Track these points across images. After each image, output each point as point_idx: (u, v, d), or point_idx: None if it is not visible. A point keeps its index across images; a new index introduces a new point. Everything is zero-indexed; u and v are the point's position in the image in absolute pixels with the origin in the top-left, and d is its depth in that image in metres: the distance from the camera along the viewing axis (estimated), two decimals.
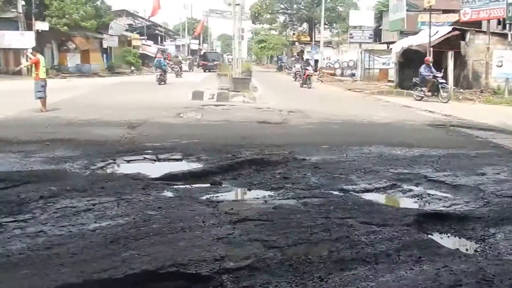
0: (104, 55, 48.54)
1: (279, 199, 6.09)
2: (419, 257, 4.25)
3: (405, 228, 4.99)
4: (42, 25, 35.98)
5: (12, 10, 35.93)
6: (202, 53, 68.54)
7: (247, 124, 13.59)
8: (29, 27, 35.58)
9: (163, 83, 29.68)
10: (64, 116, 14.18)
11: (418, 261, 4.18)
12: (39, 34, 35.75)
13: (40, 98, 15.28)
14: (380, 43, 48.09)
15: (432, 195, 6.56)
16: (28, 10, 36.06)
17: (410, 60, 28.09)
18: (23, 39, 33.24)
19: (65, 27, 37.13)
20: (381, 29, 50.61)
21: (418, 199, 6.42)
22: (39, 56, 15.83)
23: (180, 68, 41.71)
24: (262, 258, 4.14)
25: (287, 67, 60.02)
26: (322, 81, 39.00)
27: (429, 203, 6.24)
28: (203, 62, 56.58)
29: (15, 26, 35.09)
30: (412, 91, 23.92)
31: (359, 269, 4.00)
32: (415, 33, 30.62)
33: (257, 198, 6.19)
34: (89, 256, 4.10)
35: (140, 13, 69.15)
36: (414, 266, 4.09)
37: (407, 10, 34.81)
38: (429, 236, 4.95)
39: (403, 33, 34.27)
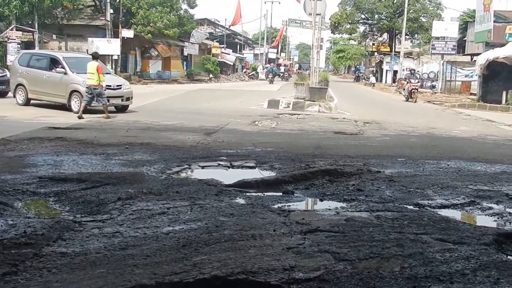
0: (184, 63, 49.77)
1: (351, 211, 6.00)
2: (497, 279, 4.05)
3: (483, 247, 4.78)
4: (128, 33, 37.38)
5: (101, 18, 37.61)
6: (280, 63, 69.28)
7: (322, 134, 13.51)
8: (115, 35, 37.07)
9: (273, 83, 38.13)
10: (143, 120, 14.66)
11: (496, 283, 3.98)
12: (124, 41, 37.18)
13: (103, 104, 15.15)
14: (463, 55, 46.62)
15: None
16: (116, 18, 37.60)
17: (495, 73, 27.01)
18: (110, 46, 34.67)
19: (149, 35, 38.39)
20: (465, 40, 49.01)
21: (498, 218, 6.14)
22: (93, 62, 15.30)
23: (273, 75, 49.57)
24: (332, 270, 4.08)
25: (365, 77, 59.35)
26: (400, 93, 38.17)
27: (510, 222, 5.95)
28: (298, 70, 61.79)
29: (103, 33, 36.67)
30: None
31: (432, 287, 3.87)
32: (502, 45, 29.40)
33: (329, 209, 6.12)
34: (162, 258, 4.19)
35: (221, 22, 70.48)
36: (492, 287, 3.91)
37: (495, 21, 33.48)
38: (509, 257, 4.71)
39: (488, 45, 32.94)
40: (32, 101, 17.77)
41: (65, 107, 16.48)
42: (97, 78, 14.87)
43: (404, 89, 31.24)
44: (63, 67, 16.51)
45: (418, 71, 47.24)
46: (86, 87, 15.08)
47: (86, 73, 15.18)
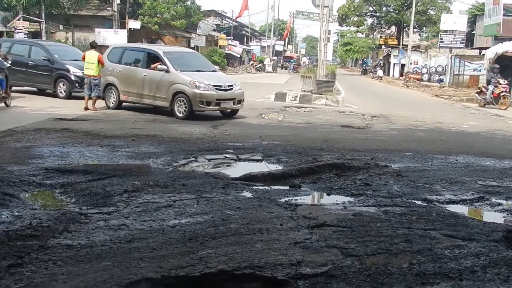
0: None
1: (359, 206, 5.96)
2: (508, 276, 4.01)
3: (493, 244, 4.73)
4: (134, 24, 37.33)
5: (108, 9, 37.58)
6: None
7: (329, 127, 13.45)
8: (122, 25, 37.03)
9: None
10: (148, 112, 14.60)
11: (506, 280, 3.94)
12: (131, 32, 37.12)
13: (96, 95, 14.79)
14: (472, 49, 46.31)
15: None
16: (123, 9, 37.55)
17: (504, 67, 26.79)
18: (117, 37, 34.60)
19: (156, 26, 38.34)
20: (473, 33, 48.67)
21: (507, 214, 6.08)
22: (92, 52, 14.87)
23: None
24: (340, 266, 4.04)
25: (372, 70, 59.14)
26: (407, 86, 38.03)
27: None
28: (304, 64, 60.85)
29: (110, 24, 36.63)
30: None
31: (441, 284, 3.82)
32: (511, 39, 29.16)
33: (337, 204, 6.08)
34: (168, 252, 4.17)
35: (228, 13, 70.25)
36: (502, 285, 3.86)
37: (504, 15, 33.22)
38: None
39: (498, 39, 32.70)
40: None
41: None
42: (96, 68, 14.54)
43: (485, 92, 23.09)
44: (164, 64, 13.98)
45: (426, 65, 47.05)
46: (85, 78, 14.79)
47: (191, 71, 13.98)
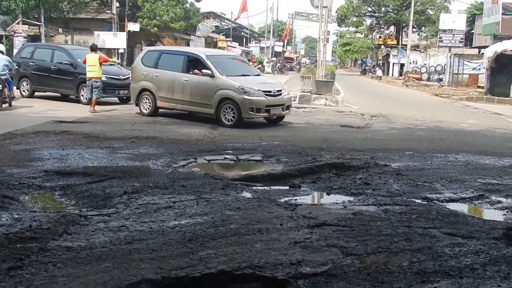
0: None
1: (359, 205, 5.96)
2: (508, 273, 4.00)
3: (493, 241, 4.73)
4: (133, 26, 37.31)
5: (107, 11, 37.60)
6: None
7: (329, 127, 13.44)
8: (121, 28, 37.04)
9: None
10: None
11: (506, 278, 3.93)
12: (130, 35, 37.13)
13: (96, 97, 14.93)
14: (471, 48, 46.33)
15: None
16: (122, 11, 37.57)
17: (503, 66, 26.84)
18: (116, 40, 34.60)
19: (155, 28, 38.35)
20: (472, 33, 48.69)
21: (507, 212, 6.08)
22: (93, 54, 15.02)
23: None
24: (340, 265, 4.04)
25: (371, 70, 59.16)
26: (407, 86, 38.03)
27: None
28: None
29: (109, 27, 36.64)
30: None
31: (441, 282, 3.81)
32: (510, 37, 29.18)
33: (336, 203, 6.08)
34: (168, 253, 4.16)
35: (227, 15, 70.30)
36: (502, 282, 3.85)
37: (503, 14, 33.25)
38: None
39: (497, 38, 32.73)
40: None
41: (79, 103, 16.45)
42: (98, 70, 14.75)
43: None
44: (208, 68, 13.05)
45: (425, 64, 47.05)
46: (87, 80, 14.92)
47: (236, 75, 13.21)
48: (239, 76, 13.24)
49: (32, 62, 17.74)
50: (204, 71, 13.05)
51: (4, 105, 14.59)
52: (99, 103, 15.47)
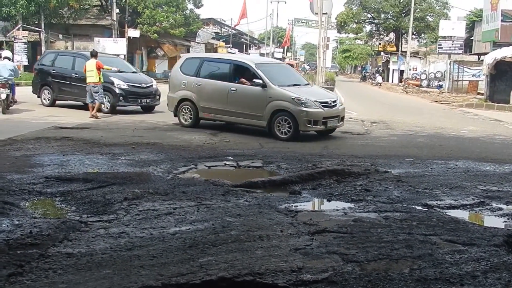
0: None
1: (359, 212, 5.95)
2: (509, 281, 4.00)
3: (494, 249, 4.72)
4: (134, 33, 37.46)
5: (107, 18, 37.71)
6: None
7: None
8: (121, 34, 37.15)
9: None
10: (150, 120, 14.64)
11: (507, 285, 3.93)
12: (130, 41, 37.24)
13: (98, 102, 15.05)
14: (470, 54, 46.43)
15: None
16: (122, 18, 37.69)
17: (502, 73, 26.87)
18: (116, 46, 34.71)
19: (155, 35, 38.46)
20: (472, 39, 48.80)
21: (508, 219, 6.07)
22: (92, 61, 15.10)
23: None
24: (340, 272, 4.04)
25: (371, 77, 59.24)
26: (407, 92, 38.08)
27: None
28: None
29: (109, 33, 36.76)
30: None
31: None
32: (510, 44, 29.24)
33: (337, 210, 6.08)
34: (168, 259, 4.16)
35: (227, 21, 70.47)
36: None
37: (502, 21, 33.31)
38: None
39: (496, 44, 32.79)
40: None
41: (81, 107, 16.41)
42: (96, 75, 14.79)
43: None
44: (259, 78, 12.22)
45: (425, 71, 47.12)
46: (86, 85, 14.95)
47: (288, 85, 12.50)
48: (291, 86, 12.53)
49: (53, 70, 17.38)
50: (255, 80, 12.24)
51: (9, 109, 15.17)
52: (122, 112, 15.49)
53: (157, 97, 17.42)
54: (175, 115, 13.72)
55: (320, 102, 12.03)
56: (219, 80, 12.97)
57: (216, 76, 13.18)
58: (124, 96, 16.28)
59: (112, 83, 16.21)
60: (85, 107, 15.86)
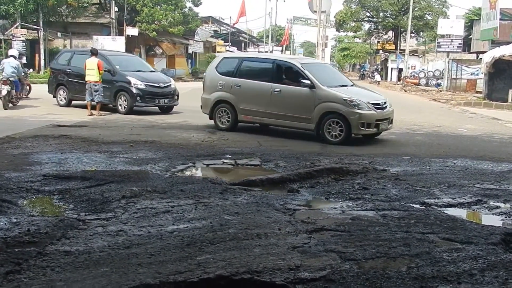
0: (189, 60, 49.75)
1: (357, 210, 5.96)
2: (506, 279, 4.01)
3: (491, 247, 4.73)
4: (132, 31, 37.41)
5: (105, 16, 37.67)
6: None
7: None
8: (120, 33, 37.11)
9: None
10: (148, 118, 14.63)
11: (504, 283, 3.94)
12: (129, 39, 37.19)
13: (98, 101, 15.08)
14: (469, 53, 46.43)
15: None
16: (120, 16, 37.65)
17: (501, 71, 26.90)
18: (115, 44, 34.65)
19: (154, 33, 38.41)
20: (470, 38, 48.81)
21: (505, 217, 6.08)
22: (93, 59, 15.10)
23: None
24: (338, 270, 4.04)
25: (370, 75, 59.25)
26: (405, 91, 38.09)
27: None
28: None
29: (108, 31, 36.72)
30: None
31: (440, 287, 3.82)
32: (508, 43, 29.25)
33: (335, 208, 6.09)
34: (166, 257, 4.16)
35: (225, 20, 70.45)
36: None
37: (501, 19, 33.30)
38: None
39: (494, 43, 32.78)
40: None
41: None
42: (97, 74, 14.77)
43: None
44: (307, 78, 11.58)
45: (423, 69, 47.15)
46: (86, 83, 14.88)
47: (336, 86, 11.93)
48: (339, 87, 11.98)
49: (69, 69, 16.88)
50: (303, 81, 11.57)
51: (10, 105, 15.72)
52: (142, 113, 15.44)
53: (176, 97, 16.87)
54: (211, 118, 13.03)
55: (373, 104, 11.49)
56: (261, 81, 12.27)
57: (257, 76, 12.49)
58: (141, 96, 15.70)
59: (129, 83, 15.72)
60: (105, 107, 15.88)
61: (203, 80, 13.80)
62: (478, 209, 6.43)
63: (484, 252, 4.57)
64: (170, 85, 16.75)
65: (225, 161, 8.91)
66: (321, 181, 7.51)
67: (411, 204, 6.31)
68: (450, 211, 6.14)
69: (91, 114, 14.68)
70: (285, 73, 12.27)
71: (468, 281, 3.95)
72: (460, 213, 6.18)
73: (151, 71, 17.50)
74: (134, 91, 15.64)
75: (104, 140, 10.30)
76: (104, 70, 15.52)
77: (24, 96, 18.01)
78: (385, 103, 11.97)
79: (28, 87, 18.94)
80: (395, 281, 3.89)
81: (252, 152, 9.67)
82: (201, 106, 13.42)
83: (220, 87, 12.72)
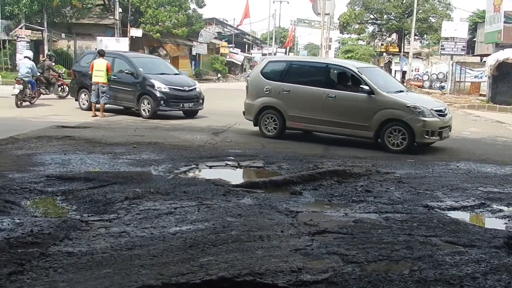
0: (193, 62, 49.80)
1: (360, 213, 5.96)
2: (509, 282, 4.00)
3: (494, 250, 4.72)
4: (136, 32, 37.45)
5: (109, 17, 37.75)
6: None
7: (329, 134, 13.37)
8: (124, 34, 37.18)
9: None
10: (151, 120, 14.64)
11: (507, 287, 3.94)
12: (133, 40, 37.23)
13: (104, 102, 15.04)
14: (473, 56, 46.37)
15: None
16: (124, 17, 37.72)
17: (505, 74, 26.82)
18: (119, 45, 34.68)
19: (158, 34, 38.46)
20: (474, 41, 48.74)
21: (508, 220, 6.08)
22: (101, 60, 15.03)
23: None
24: (340, 272, 4.04)
25: None
26: None
27: None
28: None
29: (112, 32, 36.78)
30: None
31: None
32: None
33: (338, 210, 6.09)
34: (169, 259, 4.17)
35: (229, 21, 70.50)
36: None
37: (505, 22, 33.24)
38: None
39: (498, 46, 32.72)
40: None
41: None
42: (105, 76, 14.73)
43: None
44: (365, 84, 10.99)
45: (427, 72, 47.09)
46: (93, 84, 14.82)
47: (393, 92, 11.38)
48: (397, 93, 11.50)
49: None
50: (362, 86, 10.97)
51: (24, 103, 16.61)
52: (166, 117, 15.28)
53: (201, 101, 16.24)
54: (255, 125, 12.44)
55: (436, 111, 11.01)
56: (313, 86, 11.62)
57: (308, 81, 11.81)
58: (165, 100, 15.08)
59: (153, 86, 15.13)
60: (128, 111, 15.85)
61: (246, 85, 13.30)
62: (481, 212, 6.42)
63: (487, 256, 4.56)
64: (195, 88, 16.16)
65: (228, 163, 8.91)
66: (324, 183, 7.50)
67: (414, 207, 6.29)
68: (453, 214, 6.13)
69: (95, 115, 14.71)
70: (339, 77, 11.77)
71: (470, 284, 3.94)
72: (463, 216, 6.18)
73: (176, 74, 16.99)
74: (158, 94, 15.03)
75: (107, 141, 10.31)
76: (127, 73, 15.37)
77: (60, 95, 19.73)
78: (445, 109, 11.60)
79: (64, 87, 19.82)
80: (397, 284, 3.88)
81: (255, 154, 9.68)
82: (243, 112, 12.95)
83: (266, 92, 12.08)
